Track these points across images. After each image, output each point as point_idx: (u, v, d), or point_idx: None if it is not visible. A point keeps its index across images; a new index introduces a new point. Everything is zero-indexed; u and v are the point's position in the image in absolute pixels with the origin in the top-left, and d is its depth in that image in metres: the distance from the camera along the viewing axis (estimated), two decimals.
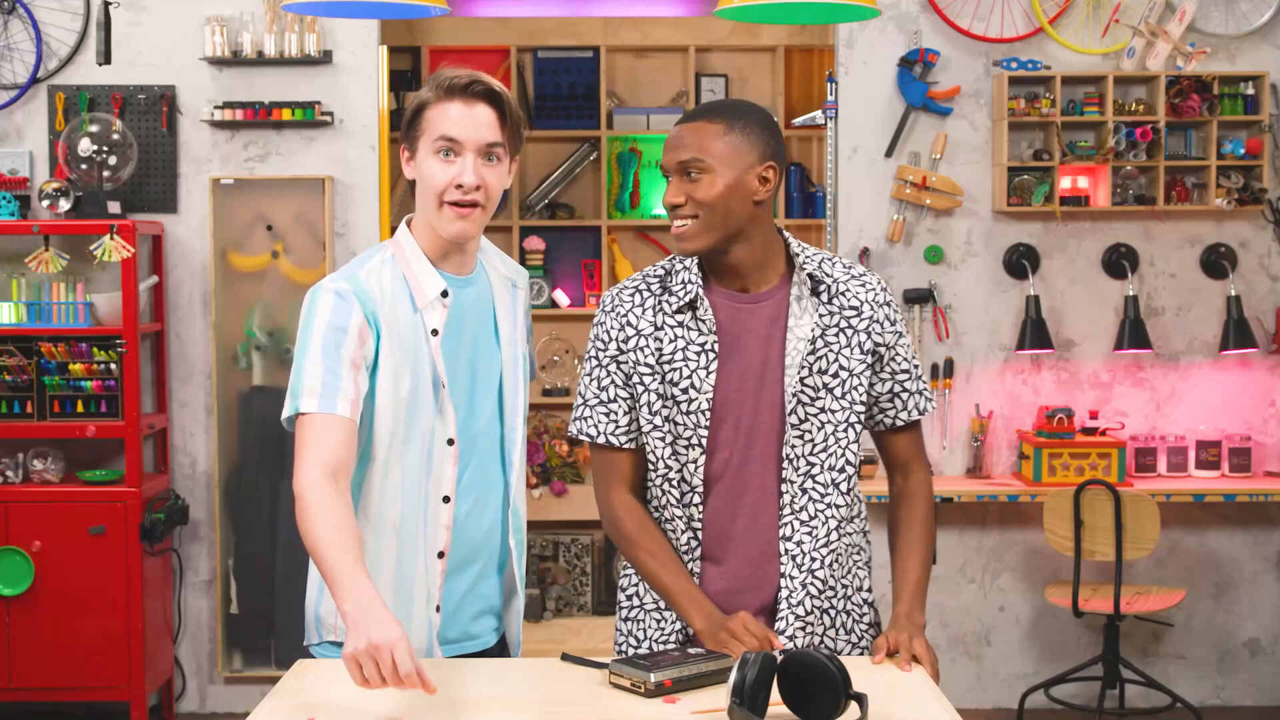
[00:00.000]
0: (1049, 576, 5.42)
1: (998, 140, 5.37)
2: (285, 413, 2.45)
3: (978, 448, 5.41)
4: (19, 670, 5.02)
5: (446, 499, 2.53)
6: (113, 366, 5.06)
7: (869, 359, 2.58)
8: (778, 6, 3.30)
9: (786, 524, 2.56)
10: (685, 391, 2.54)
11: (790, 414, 2.53)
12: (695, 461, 2.55)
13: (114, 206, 5.20)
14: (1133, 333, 5.35)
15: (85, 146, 5.15)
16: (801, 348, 2.53)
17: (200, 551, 5.43)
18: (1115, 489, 4.90)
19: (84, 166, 5.17)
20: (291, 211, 5.36)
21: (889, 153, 5.42)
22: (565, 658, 2.44)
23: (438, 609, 2.55)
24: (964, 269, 5.46)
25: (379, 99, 5.36)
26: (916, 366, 2.66)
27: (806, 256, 2.57)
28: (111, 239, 4.97)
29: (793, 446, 2.55)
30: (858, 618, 2.65)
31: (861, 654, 2.62)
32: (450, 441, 2.52)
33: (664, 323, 2.56)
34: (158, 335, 5.36)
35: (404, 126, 2.54)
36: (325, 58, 5.30)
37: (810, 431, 2.55)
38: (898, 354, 2.62)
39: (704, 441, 2.54)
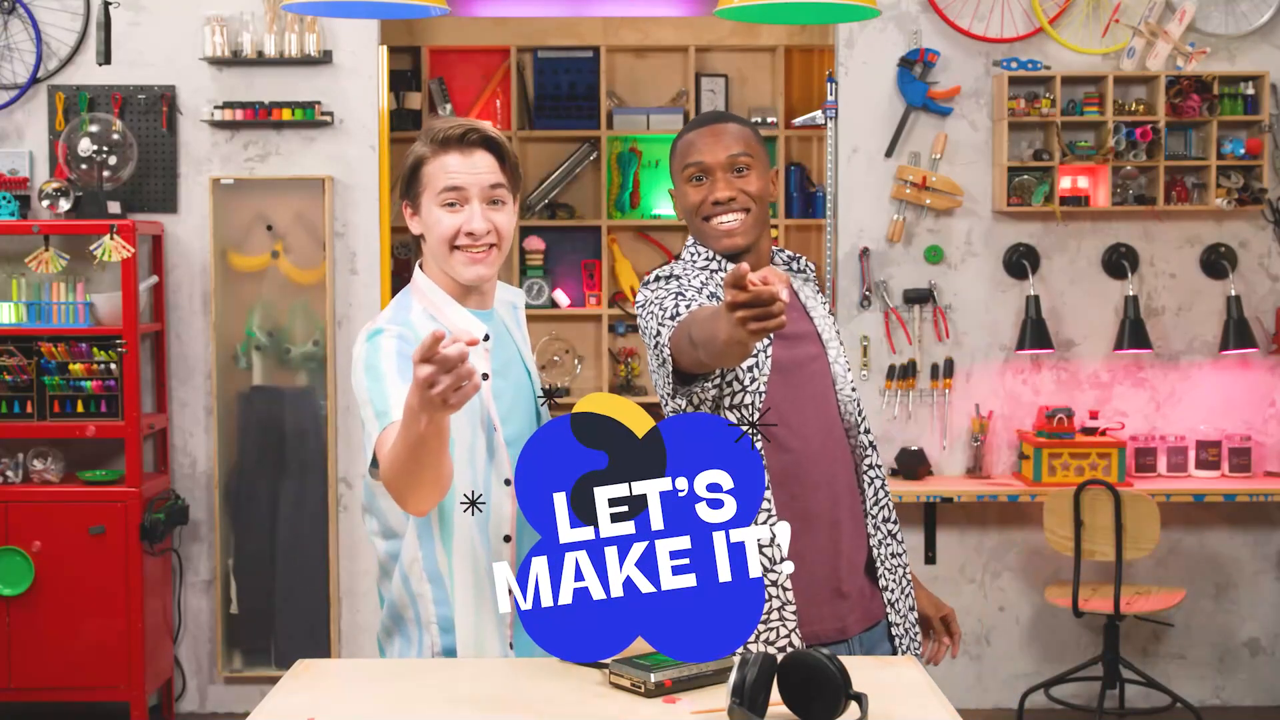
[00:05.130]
0: (1049, 576, 5.42)
1: (998, 140, 5.36)
2: (374, 433, 2.35)
3: (978, 448, 5.41)
4: (19, 670, 5.02)
5: (507, 538, 2.48)
6: (113, 366, 5.06)
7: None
8: (778, 6, 3.30)
9: (863, 479, 2.70)
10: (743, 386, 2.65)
11: (848, 384, 2.69)
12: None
13: (114, 206, 5.20)
14: (1133, 333, 5.35)
15: (85, 146, 5.15)
16: (822, 311, 2.71)
17: (200, 551, 5.43)
18: (1115, 489, 4.90)
19: (84, 166, 5.17)
20: (291, 211, 5.36)
21: (889, 153, 5.42)
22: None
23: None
24: (964, 269, 5.46)
25: (379, 99, 5.36)
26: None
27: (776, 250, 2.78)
28: (111, 239, 4.97)
29: (850, 413, 2.69)
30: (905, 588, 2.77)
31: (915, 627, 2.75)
32: (507, 482, 2.47)
33: None
34: (158, 335, 5.36)
35: (402, 184, 2.54)
36: (325, 58, 5.30)
37: (856, 389, 2.72)
38: None
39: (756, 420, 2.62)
